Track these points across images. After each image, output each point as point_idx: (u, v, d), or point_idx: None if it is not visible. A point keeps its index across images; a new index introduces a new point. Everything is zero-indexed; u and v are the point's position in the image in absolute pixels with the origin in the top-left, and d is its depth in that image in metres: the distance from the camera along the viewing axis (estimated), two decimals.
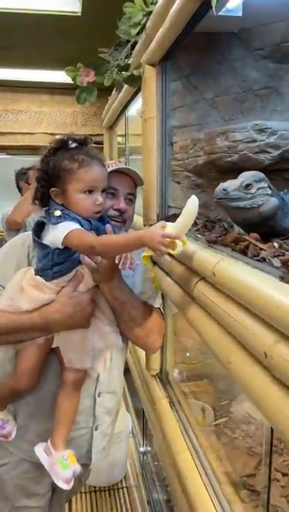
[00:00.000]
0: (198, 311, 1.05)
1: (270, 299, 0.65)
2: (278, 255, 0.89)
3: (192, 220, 1.05)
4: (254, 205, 1.08)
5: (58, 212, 1.18)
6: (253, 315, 0.72)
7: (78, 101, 1.59)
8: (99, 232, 1.24)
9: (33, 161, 1.87)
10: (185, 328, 1.92)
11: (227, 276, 0.85)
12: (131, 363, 2.19)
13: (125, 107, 2.35)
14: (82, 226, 1.18)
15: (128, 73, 1.62)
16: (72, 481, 1.21)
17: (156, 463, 2.53)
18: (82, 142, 1.24)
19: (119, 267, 1.39)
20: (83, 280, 1.24)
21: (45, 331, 1.23)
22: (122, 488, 2.23)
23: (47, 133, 5.66)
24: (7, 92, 5.49)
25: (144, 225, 1.74)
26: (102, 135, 3.40)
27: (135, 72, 1.62)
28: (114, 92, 2.42)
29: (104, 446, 1.43)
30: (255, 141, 1.46)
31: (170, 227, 1.04)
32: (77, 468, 1.22)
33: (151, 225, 1.69)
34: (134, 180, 1.49)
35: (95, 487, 2.20)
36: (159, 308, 1.52)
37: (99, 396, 1.41)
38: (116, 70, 1.61)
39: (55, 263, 1.19)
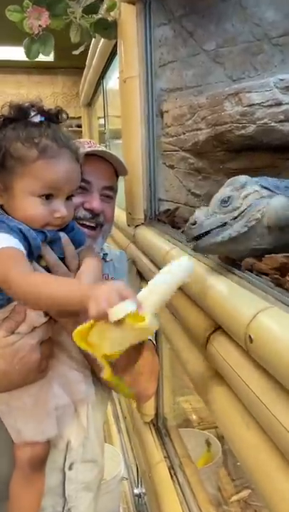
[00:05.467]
0: (215, 384, 0.63)
1: None
2: None
3: (175, 288, 0.61)
4: (252, 221, 0.65)
5: None
6: None
7: (28, 55, 1.13)
8: (54, 246, 0.81)
9: None
10: None
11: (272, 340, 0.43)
12: (118, 406, 1.78)
13: (102, 74, 1.89)
14: (25, 241, 0.75)
15: (98, 16, 1.17)
16: None
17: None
18: (52, 116, 0.82)
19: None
20: (26, 317, 0.81)
21: None
22: None
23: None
24: None
25: (129, 225, 1.30)
26: None
27: (107, 15, 1.17)
28: (88, 56, 1.95)
29: None
30: (280, 104, 1.02)
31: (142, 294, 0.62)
32: None
33: (137, 226, 1.26)
34: (116, 169, 1.06)
35: None
36: (151, 341, 1.10)
37: (70, 469, 1.01)
38: (81, 13, 1.16)
39: None
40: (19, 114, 0.79)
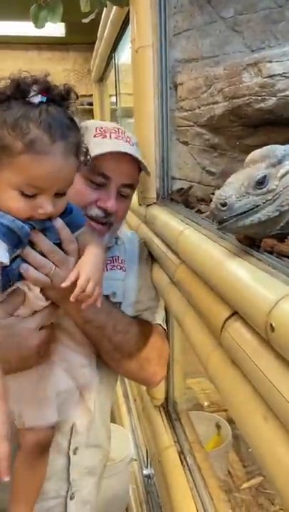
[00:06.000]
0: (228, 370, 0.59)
1: None
2: None
3: None
4: (285, 206, 0.59)
5: None
6: None
7: (35, 23, 1.07)
8: (48, 232, 0.76)
9: None
10: None
11: None
12: (128, 387, 1.77)
13: (114, 47, 1.81)
14: (11, 233, 0.69)
15: None
16: None
17: None
18: (56, 97, 0.70)
19: (104, 267, 0.94)
20: (25, 301, 0.77)
21: None
22: None
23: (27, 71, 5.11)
24: None
25: (140, 205, 1.25)
26: None
27: None
28: (100, 28, 1.87)
29: None
30: None
31: None
32: None
33: (149, 205, 1.21)
34: (139, 164, 0.99)
35: None
36: (161, 326, 1.07)
37: (75, 453, 1.01)
38: None
39: None
40: (16, 92, 0.68)
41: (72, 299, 0.74)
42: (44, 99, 0.68)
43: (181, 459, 1.11)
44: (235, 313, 0.60)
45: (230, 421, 1.87)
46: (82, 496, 1.03)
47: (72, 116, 0.73)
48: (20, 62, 5.06)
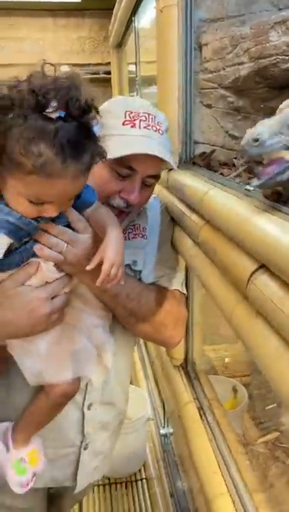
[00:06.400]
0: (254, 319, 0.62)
1: None
2: None
3: None
4: None
5: None
6: None
7: None
8: (56, 219, 0.78)
9: None
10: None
11: None
12: (149, 347, 1.82)
13: (134, 10, 1.78)
14: (18, 230, 0.74)
15: None
16: (31, 484, 0.97)
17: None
18: (76, 111, 0.67)
19: (126, 236, 1.00)
20: (38, 271, 0.81)
21: None
22: (141, 479, 1.93)
23: (51, 64, 5.01)
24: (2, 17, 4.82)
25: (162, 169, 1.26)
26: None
27: None
28: None
29: (96, 466, 1.13)
30: None
31: None
32: (39, 468, 0.98)
33: (170, 169, 1.22)
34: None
35: (109, 479, 1.92)
36: (178, 290, 1.09)
37: (89, 408, 1.07)
38: None
39: None
40: (35, 105, 0.65)
41: (98, 284, 0.79)
42: (63, 114, 0.66)
43: (200, 414, 1.16)
44: (262, 266, 0.62)
45: (246, 385, 1.92)
46: (95, 448, 1.10)
47: (91, 128, 0.71)
48: (34, 29, 4.99)
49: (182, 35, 1.07)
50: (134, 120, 0.91)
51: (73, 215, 0.81)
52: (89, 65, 5.04)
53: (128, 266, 1.01)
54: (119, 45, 2.49)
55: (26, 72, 0.67)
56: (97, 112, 0.72)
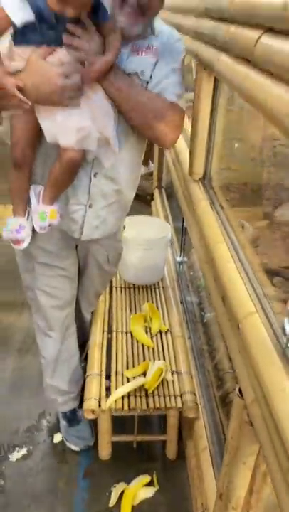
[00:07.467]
0: None
1: None
2: None
3: None
4: None
5: None
6: None
7: None
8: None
9: None
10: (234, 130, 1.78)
11: None
12: (171, 166, 2.13)
13: None
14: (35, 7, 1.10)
15: None
16: (48, 229, 1.44)
17: (191, 273, 2.70)
18: None
19: (139, 52, 1.29)
20: (56, 53, 1.15)
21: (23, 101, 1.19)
22: (159, 287, 2.41)
23: None
24: None
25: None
26: None
27: None
28: None
29: (96, 225, 1.54)
30: None
31: None
32: (55, 221, 1.43)
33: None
34: None
35: (134, 285, 2.40)
36: (178, 105, 1.38)
37: (95, 176, 1.44)
38: None
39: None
40: None
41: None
42: None
43: (211, 207, 1.50)
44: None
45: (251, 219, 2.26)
46: (96, 209, 1.50)
47: None
48: None
49: None
50: None
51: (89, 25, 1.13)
52: None
53: (136, 74, 1.29)
54: None
55: None
56: None
